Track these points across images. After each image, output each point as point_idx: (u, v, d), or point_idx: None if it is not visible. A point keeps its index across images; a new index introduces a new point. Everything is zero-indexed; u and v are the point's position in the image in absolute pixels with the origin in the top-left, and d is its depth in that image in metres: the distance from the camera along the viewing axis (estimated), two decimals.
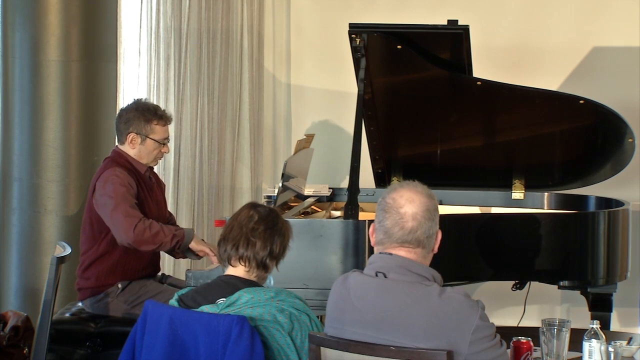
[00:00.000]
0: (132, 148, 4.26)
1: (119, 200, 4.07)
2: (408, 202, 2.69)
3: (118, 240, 4.10)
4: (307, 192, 4.96)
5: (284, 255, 3.09)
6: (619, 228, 4.56)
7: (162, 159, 4.44)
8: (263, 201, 4.83)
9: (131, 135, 4.24)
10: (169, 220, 4.48)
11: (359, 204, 4.19)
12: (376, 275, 2.68)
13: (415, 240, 2.68)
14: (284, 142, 6.13)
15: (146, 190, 4.26)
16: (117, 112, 4.34)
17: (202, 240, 4.37)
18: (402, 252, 2.69)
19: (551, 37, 5.85)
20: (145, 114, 4.24)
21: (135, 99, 4.41)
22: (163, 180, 4.63)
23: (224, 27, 5.75)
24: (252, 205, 3.11)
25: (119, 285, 4.20)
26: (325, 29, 6.01)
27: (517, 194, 5.04)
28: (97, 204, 4.15)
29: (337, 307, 2.72)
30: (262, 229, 3.03)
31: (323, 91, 6.08)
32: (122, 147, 4.29)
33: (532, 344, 2.97)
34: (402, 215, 2.68)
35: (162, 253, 4.37)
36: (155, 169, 4.51)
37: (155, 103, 4.71)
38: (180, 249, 4.23)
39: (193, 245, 4.19)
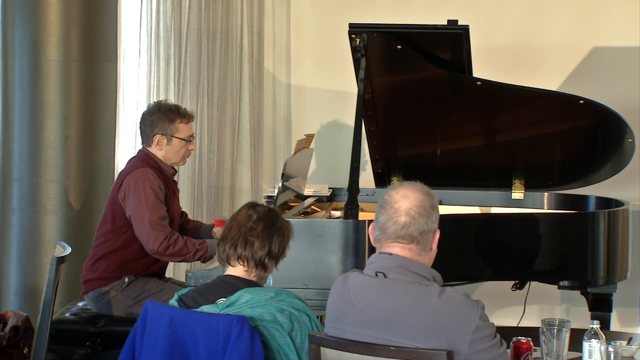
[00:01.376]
0: (160, 150, 4.30)
1: (150, 207, 4.13)
2: (403, 197, 2.69)
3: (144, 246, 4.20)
4: (307, 192, 4.96)
5: (283, 255, 3.09)
6: (619, 228, 4.56)
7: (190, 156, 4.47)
8: (263, 201, 4.83)
9: (157, 137, 4.28)
10: (182, 218, 4.55)
11: (359, 204, 4.19)
12: (376, 275, 2.68)
13: (409, 235, 2.67)
14: (284, 142, 6.12)
15: (171, 193, 4.31)
16: (140, 117, 4.38)
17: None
18: (397, 248, 2.69)
19: (551, 37, 5.85)
20: (168, 114, 4.29)
21: (155, 101, 4.46)
22: None
23: (223, 27, 5.75)
24: (252, 205, 3.11)
25: (126, 280, 4.23)
26: (325, 29, 6.00)
27: (517, 194, 5.04)
28: (124, 202, 4.19)
29: (337, 307, 2.72)
30: (261, 229, 3.03)
31: (323, 91, 6.07)
32: (149, 149, 4.33)
33: (532, 344, 2.97)
34: (396, 210, 2.68)
35: None
36: None
37: (147, 104, 4.73)
38: (205, 261, 4.27)
39: None
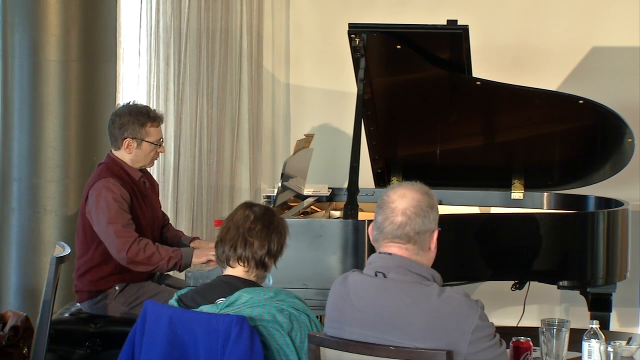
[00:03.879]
0: (129, 153, 4.21)
1: (112, 217, 4.05)
2: (400, 197, 2.69)
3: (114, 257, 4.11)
4: (306, 192, 4.96)
5: (281, 252, 3.09)
6: (618, 228, 4.56)
7: (158, 158, 4.42)
8: (262, 201, 4.83)
9: (127, 141, 4.20)
10: (163, 220, 4.49)
11: (359, 204, 4.19)
12: (376, 275, 2.68)
13: (405, 235, 2.67)
14: (283, 142, 6.13)
15: (140, 197, 4.23)
16: (109, 118, 4.28)
17: (202, 240, 4.37)
18: (394, 248, 2.69)
19: (551, 37, 5.85)
20: (139, 117, 4.19)
21: (125, 102, 4.38)
22: (161, 181, 4.62)
23: (223, 28, 5.75)
24: (248, 205, 3.11)
25: (117, 288, 4.20)
26: (325, 29, 6.00)
27: (517, 194, 5.04)
28: (90, 216, 4.14)
29: (337, 307, 2.72)
30: (259, 228, 3.03)
31: (323, 91, 6.08)
32: (117, 153, 4.24)
33: (531, 343, 2.97)
34: (393, 210, 2.68)
35: None
36: (155, 170, 4.50)
37: (147, 104, 4.70)
38: (181, 270, 4.19)
39: (195, 260, 4.14)
